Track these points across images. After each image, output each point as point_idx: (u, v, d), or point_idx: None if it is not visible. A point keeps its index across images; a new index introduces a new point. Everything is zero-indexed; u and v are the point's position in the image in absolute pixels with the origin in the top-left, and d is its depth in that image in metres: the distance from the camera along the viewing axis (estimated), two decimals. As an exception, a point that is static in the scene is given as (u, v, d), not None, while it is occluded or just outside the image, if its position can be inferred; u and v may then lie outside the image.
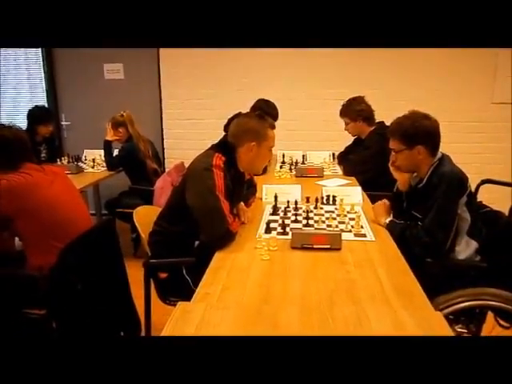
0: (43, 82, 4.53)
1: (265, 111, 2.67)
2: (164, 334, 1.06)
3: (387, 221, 1.95)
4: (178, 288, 1.93)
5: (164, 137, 4.35)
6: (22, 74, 4.59)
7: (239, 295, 1.32)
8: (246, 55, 4.09)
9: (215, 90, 4.25)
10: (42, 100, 4.50)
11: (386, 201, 2.09)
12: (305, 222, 1.97)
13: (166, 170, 3.51)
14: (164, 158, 4.32)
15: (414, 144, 1.88)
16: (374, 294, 1.32)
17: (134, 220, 2.00)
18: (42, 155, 3.58)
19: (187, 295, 1.89)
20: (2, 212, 1.77)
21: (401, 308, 1.22)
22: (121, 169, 3.46)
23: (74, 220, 1.95)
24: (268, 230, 1.84)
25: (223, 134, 3.35)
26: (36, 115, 3.49)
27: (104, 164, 3.53)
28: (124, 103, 4.23)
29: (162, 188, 3.13)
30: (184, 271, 1.90)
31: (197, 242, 1.98)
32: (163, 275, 1.95)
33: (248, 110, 3.37)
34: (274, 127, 2.05)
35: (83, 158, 3.77)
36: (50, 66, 4.46)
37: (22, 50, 4.46)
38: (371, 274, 1.46)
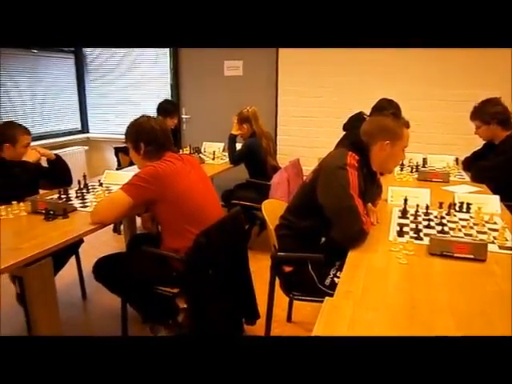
0: (168, 78, 4.85)
1: (387, 111, 2.59)
2: (317, 327, 1.07)
3: None
4: (302, 283, 1.96)
5: (278, 133, 4.42)
6: (151, 70, 4.98)
7: (382, 297, 1.29)
8: (362, 54, 4.00)
9: (331, 88, 4.21)
10: (167, 94, 4.83)
11: None
12: (439, 228, 1.87)
13: (281, 166, 3.56)
14: (276, 154, 4.39)
15: None
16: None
17: (263, 212, 2.06)
18: (168, 145, 3.83)
19: (311, 291, 1.93)
20: (148, 195, 1.93)
21: None
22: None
23: (207, 208, 2.06)
24: (401, 234, 1.78)
25: (343, 132, 3.33)
26: (165, 108, 3.74)
27: (223, 157, 3.69)
28: (241, 99, 4.40)
29: (279, 183, 3.19)
30: (309, 267, 1.92)
31: (323, 239, 2.00)
32: (288, 269, 1.98)
33: (363, 110, 3.31)
34: (408, 127, 1.98)
35: (202, 149, 3.98)
36: (175, 63, 4.77)
37: (155, 49, 4.84)
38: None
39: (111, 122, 5.34)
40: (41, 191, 2.60)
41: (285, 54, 4.27)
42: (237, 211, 2.10)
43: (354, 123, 3.17)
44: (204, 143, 4.08)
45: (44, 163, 2.63)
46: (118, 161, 4.02)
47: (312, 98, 4.26)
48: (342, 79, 4.16)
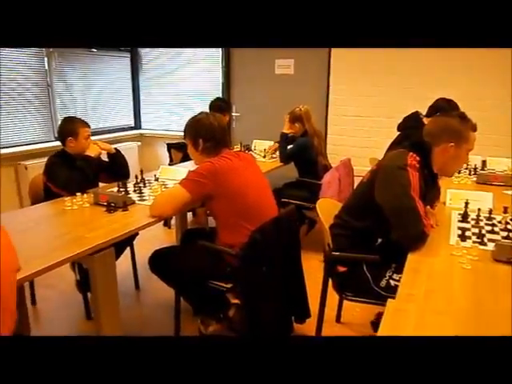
0: (220, 76, 4.92)
1: (446, 111, 2.51)
2: (382, 329, 1.06)
3: None
4: (356, 283, 1.93)
5: (328, 132, 4.38)
6: (203, 68, 5.07)
7: (448, 301, 1.26)
8: (415, 52, 3.89)
9: (383, 88, 4.13)
10: (218, 93, 4.90)
11: None
12: (504, 233, 1.80)
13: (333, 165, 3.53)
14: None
15: None
16: None
17: (318, 211, 2.05)
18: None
19: (365, 292, 1.90)
20: (206, 190, 1.97)
21: None
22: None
23: (263, 205, 2.08)
24: (463, 238, 1.72)
25: (395, 132, 3.26)
26: (217, 106, 3.79)
27: (273, 155, 3.70)
28: (291, 97, 4.40)
29: (329, 182, 3.16)
30: (364, 267, 1.89)
31: (379, 240, 1.97)
32: (342, 269, 1.97)
33: (417, 109, 3.22)
34: (475, 130, 1.90)
35: (252, 147, 4.01)
36: (227, 61, 4.83)
37: (208, 49, 4.93)
38: None
39: (163, 118, 5.48)
40: (100, 184, 2.72)
41: (337, 52, 4.22)
42: (291, 209, 2.10)
43: (410, 123, 3.10)
44: (254, 141, 4.11)
45: (104, 157, 2.73)
46: (170, 156, 4.13)
47: (364, 97, 4.20)
48: (394, 78, 4.07)
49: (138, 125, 5.60)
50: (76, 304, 2.72)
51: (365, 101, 4.21)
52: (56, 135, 4.44)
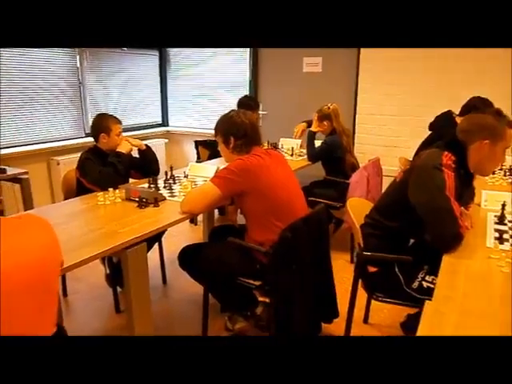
0: (248, 74, 4.93)
1: (480, 110, 2.44)
2: (421, 330, 1.04)
3: None
4: (387, 284, 1.91)
5: (355, 130, 4.34)
6: (230, 66, 5.09)
7: (487, 304, 1.23)
8: (446, 51, 3.80)
9: (412, 87, 4.06)
10: (245, 90, 4.91)
11: None
12: (543, 236, 1.74)
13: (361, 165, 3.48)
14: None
15: None
16: None
17: (348, 210, 2.03)
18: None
19: (396, 293, 1.87)
20: (237, 187, 1.97)
21: None
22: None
23: (293, 203, 2.07)
24: (501, 241, 1.67)
25: (426, 132, 3.20)
26: (245, 103, 3.79)
27: (300, 153, 3.68)
28: (319, 95, 4.37)
29: (357, 182, 3.13)
30: (396, 268, 1.86)
31: (411, 240, 1.94)
32: (373, 269, 1.94)
33: (448, 109, 3.15)
34: None
35: (279, 145, 4.00)
36: (255, 59, 4.83)
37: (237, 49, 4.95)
38: None
39: (190, 116, 5.52)
40: (130, 180, 2.76)
41: (367, 50, 4.17)
42: (322, 208, 2.09)
43: (443, 122, 3.04)
44: (281, 139, 4.10)
45: (134, 154, 2.77)
46: (198, 154, 4.15)
47: (392, 95, 4.13)
48: (424, 77, 3.98)
49: (165, 122, 5.66)
50: (105, 297, 2.77)
51: (393, 99, 4.15)
52: (89, 131, 4.54)
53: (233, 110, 2.16)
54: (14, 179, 2.96)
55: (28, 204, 2.98)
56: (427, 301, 1.20)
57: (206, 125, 5.30)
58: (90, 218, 2.07)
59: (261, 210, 2.00)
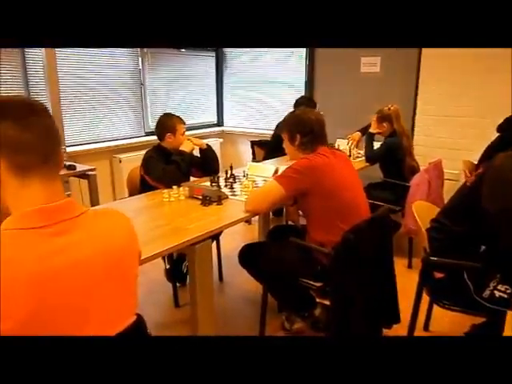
0: (304, 74, 4.92)
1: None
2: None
3: None
4: (455, 292, 1.84)
5: (414, 132, 4.22)
6: (286, 67, 5.11)
7: None
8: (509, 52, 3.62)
9: (476, 87, 3.88)
10: (301, 91, 4.91)
11: None
12: None
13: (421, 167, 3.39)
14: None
15: None
16: None
17: (414, 214, 1.99)
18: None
19: (464, 301, 1.81)
20: (301, 186, 1.97)
21: None
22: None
23: (357, 205, 2.05)
24: None
25: (493, 134, 3.06)
26: (302, 104, 3.79)
27: (358, 154, 3.63)
28: (376, 96, 4.28)
29: (418, 185, 3.04)
30: (465, 275, 1.80)
31: (483, 247, 1.86)
32: (439, 275, 1.89)
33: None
34: None
35: (336, 146, 3.96)
36: (311, 58, 4.81)
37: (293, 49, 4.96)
38: None
39: (245, 116, 5.59)
40: (190, 178, 2.83)
41: (429, 48, 4.03)
42: (386, 211, 2.05)
43: (513, 124, 2.89)
44: (337, 140, 4.05)
45: (195, 153, 2.84)
46: (254, 154, 4.19)
47: (455, 96, 3.97)
48: (488, 76, 3.80)
49: (220, 122, 5.76)
50: (165, 292, 2.86)
51: (457, 100, 3.99)
52: (149, 130, 4.72)
53: (300, 108, 2.15)
54: (82, 175, 3.12)
55: (94, 200, 3.13)
56: (508, 311, 1.15)
57: (260, 125, 5.34)
58: (156, 214, 2.14)
59: (324, 210, 1.99)
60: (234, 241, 3.59)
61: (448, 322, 2.51)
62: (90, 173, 3.15)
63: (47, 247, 0.83)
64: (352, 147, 3.66)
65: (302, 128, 2.05)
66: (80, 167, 3.12)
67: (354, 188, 2.07)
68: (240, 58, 5.45)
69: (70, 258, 0.85)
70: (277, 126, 4.08)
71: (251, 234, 3.81)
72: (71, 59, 3.96)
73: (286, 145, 2.14)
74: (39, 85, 3.70)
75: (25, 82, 3.63)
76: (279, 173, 2.76)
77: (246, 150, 5.11)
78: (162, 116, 2.74)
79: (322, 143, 2.09)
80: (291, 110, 4.21)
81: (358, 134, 3.69)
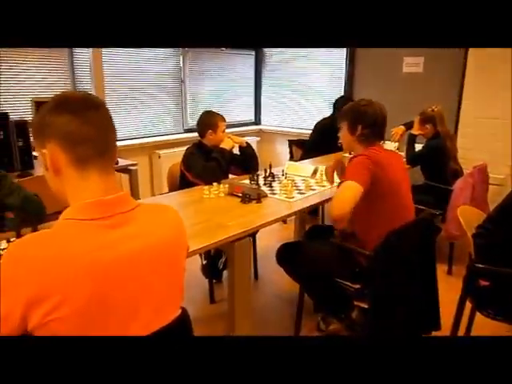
0: (343, 74, 4.86)
1: None
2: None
3: None
4: (501, 300, 1.78)
5: (458, 135, 4.09)
6: (324, 66, 5.07)
7: None
8: None
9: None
10: (339, 91, 4.86)
11: None
12: None
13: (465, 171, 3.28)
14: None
15: None
16: None
17: (460, 218, 1.93)
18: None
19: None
20: (371, 176, 1.85)
21: None
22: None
23: (405, 207, 2.00)
24: None
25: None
26: (342, 104, 3.74)
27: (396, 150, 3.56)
28: (418, 96, 4.19)
29: (462, 189, 2.95)
30: (513, 284, 1.73)
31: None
32: (484, 283, 1.83)
33: None
34: None
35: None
36: (351, 58, 4.75)
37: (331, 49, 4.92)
38: None
39: (282, 115, 5.58)
40: (229, 176, 2.85)
41: (474, 52, 3.91)
42: (429, 214, 2.00)
43: None
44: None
45: (235, 150, 2.86)
46: (291, 153, 4.18)
47: (504, 97, 3.82)
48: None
49: (257, 120, 5.78)
50: (201, 287, 2.90)
51: (505, 102, 3.84)
52: (187, 127, 4.80)
53: (363, 99, 2.10)
54: (124, 170, 3.19)
55: (135, 194, 3.19)
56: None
57: (298, 124, 5.32)
58: (197, 210, 2.17)
59: (372, 210, 1.94)
60: (269, 240, 3.60)
61: (489, 331, 2.42)
62: (131, 167, 3.22)
63: (104, 239, 0.85)
64: (395, 141, 3.60)
65: (366, 119, 1.99)
66: (122, 162, 3.19)
67: (406, 189, 2.03)
68: (279, 58, 5.44)
69: (124, 251, 0.88)
70: (315, 125, 4.05)
71: (287, 233, 3.80)
72: (115, 59, 4.08)
73: (344, 134, 2.08)
74: (86, 83, 3.84)
75: (72, 81, 3.78)
76: (318, 173, 2.76)
77: (282, 149, 5.10)
78: (203, 113, 2.77)
79: (380, 138, 2.05)
80: (330, 109, 4.22)
81: (402, 127, 3.61)
